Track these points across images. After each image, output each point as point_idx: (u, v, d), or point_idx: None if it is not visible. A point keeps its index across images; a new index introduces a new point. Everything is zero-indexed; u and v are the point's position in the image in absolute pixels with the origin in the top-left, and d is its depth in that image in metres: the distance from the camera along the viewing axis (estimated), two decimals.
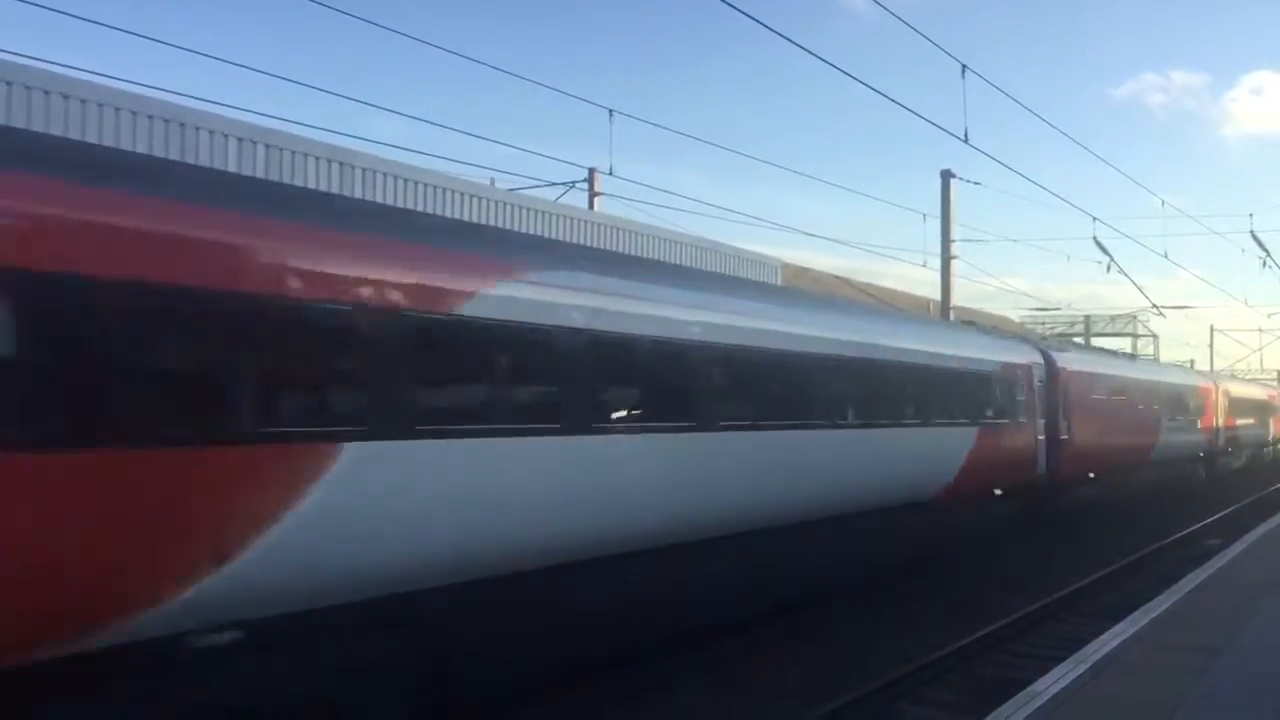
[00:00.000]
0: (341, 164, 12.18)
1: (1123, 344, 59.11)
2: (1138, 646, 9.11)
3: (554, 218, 15.34)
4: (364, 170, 12.18)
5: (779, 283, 22.01)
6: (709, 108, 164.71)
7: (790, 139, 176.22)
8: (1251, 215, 75.26)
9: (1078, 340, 54.22)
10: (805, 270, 33.93)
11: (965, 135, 17.05)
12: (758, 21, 12.23)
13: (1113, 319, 58.54)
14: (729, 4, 11.10)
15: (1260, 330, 69.09)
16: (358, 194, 12.01)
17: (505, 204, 14.28)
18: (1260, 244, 36.04)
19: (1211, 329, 74.29)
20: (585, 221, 16.28)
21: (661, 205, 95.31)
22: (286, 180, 11.64)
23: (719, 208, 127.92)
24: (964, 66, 15.70)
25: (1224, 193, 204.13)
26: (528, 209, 14.72)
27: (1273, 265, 37.15)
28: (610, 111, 19.32)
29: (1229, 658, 8.73)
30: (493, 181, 21.91)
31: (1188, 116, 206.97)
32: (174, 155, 11.27)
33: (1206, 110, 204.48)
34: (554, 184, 26.62)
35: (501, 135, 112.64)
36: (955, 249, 34.01)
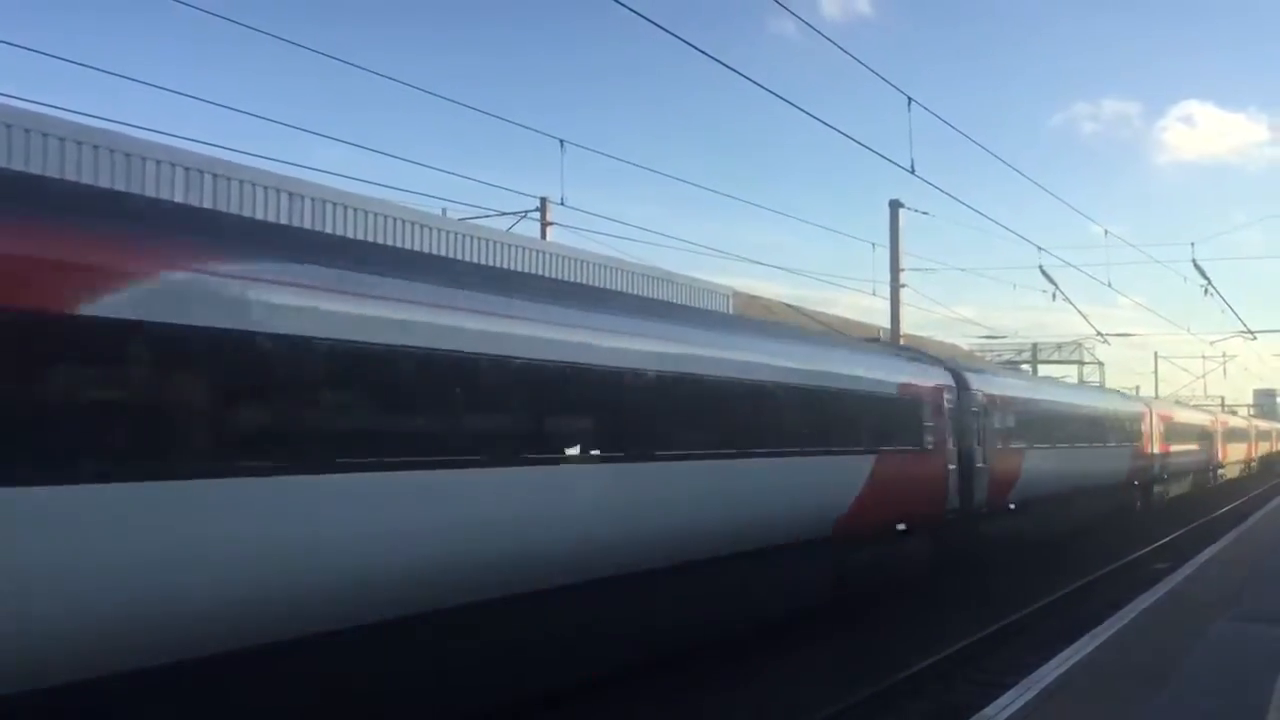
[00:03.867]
0: (290, 194, 12.10)
1: (1069, 371, 60.06)
2: (1086, 672, 9.20)
3: (506, 247, 15.34)
4: (312, 200, 12.12)
5: (730, 309, 22.09)
6: (661, 139, 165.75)
7: (742, 169, 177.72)
8: (1193, 244, 76.43)
9: (1025, 367, 54.98)
10: (756, 298, 34.12)
11: (912, 166, 17.29)
12: (710, 56, 12.35)
13: (1059, 347, 59.37)
14: (681, 39, 11.21)
15: (1204, 357, 70.45)
16: (306, 224, 11.94)
17: (456, 234, 14.26)
18: (1202, 272, 36.74)
19: (1156, 356, 75.58)
20: (537, 251, 16.29)
21: (614, 235, 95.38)
22: (235, 210, 11.54)
23: (672, 237, 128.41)
24: (909, 99, 15.94)
25: (1161, 220, 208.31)
26: (479, 239, 14.71)
27: (1214, 293, 37.87)
28: (561, 142, 19.37)
29: (1179, 681, 8.83)
30: (444, 211, 21.87)
31: (1122, 145, 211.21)
32: (119, 185, 11.14)
33: (1139, 139, 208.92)
34: (506, 213, 26.62)
35: (454, 166, 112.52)
36: (904, 278, 34.39)
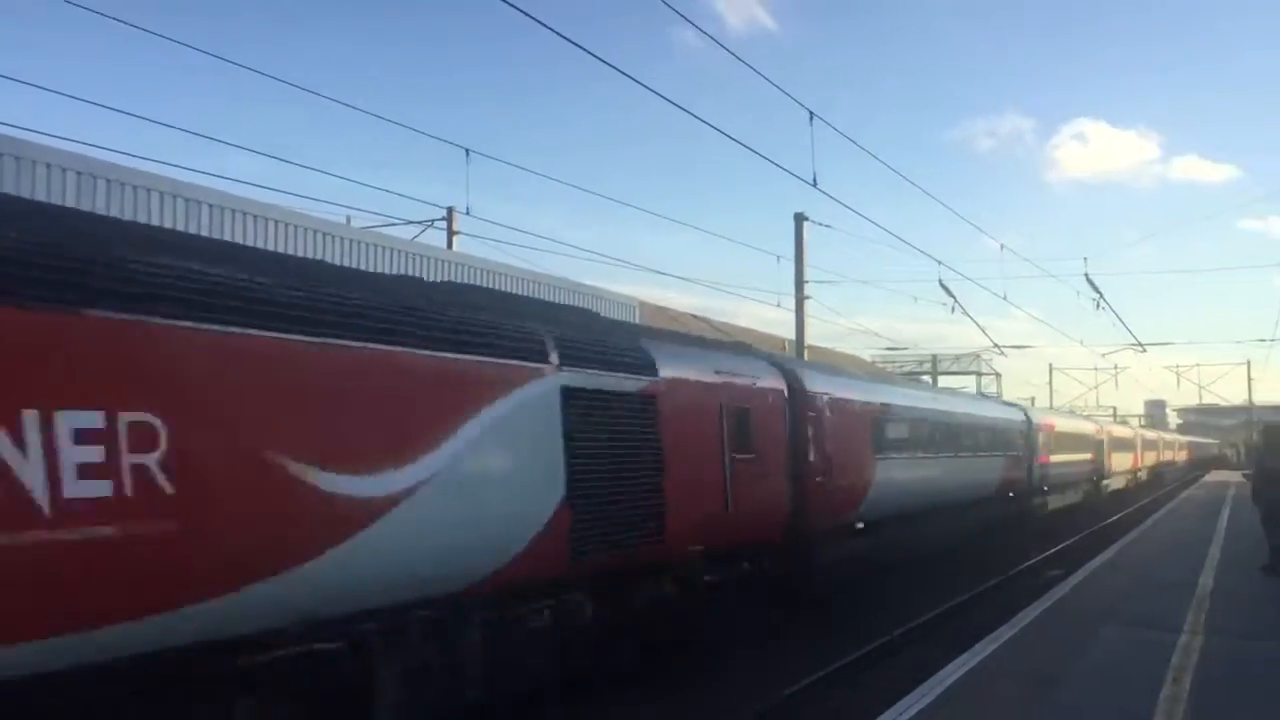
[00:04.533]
0: (188, 200, 11.84)
1: (968, 382, 61.44)
2: (981, 677, 9.42)
3: (411, 257, 15.20)
4: (211, 206, 11.87)
5: (637, 319, 22.19)
6: (569, 150, 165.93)
7: (649, 181, 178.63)
8: (1086, 259, 78.98)
9: (925, 378, 56.07)
10: (663, 309, 34.30)
11: (814, 180, 17.56)
12: (615, 68, 12.43)
13: (958, 358, 60.84)
14: (585, 50, 11.26)
15: (1096, 369, 72.70)
16: (204, 231, 11.69)
17: (359, 242, 14.09)
18: (1094, 287, 37.94)
19: (1050, 367, 77.85)
20: (443, 261, 16.18)
21: (521, 245, 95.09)
22: (128, 216, 11.29)
23: (578, 247, 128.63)
24: (811, 113, 16.18)
25: (1055, 236, 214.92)
26: (383, 247, 14.56)
27: (1106, 307, 39.01)
28: (467, 151, 19.28)
29: (1069, 686, 9.10)
30: (349, 220, 21.60)
31: (1017, 161, 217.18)
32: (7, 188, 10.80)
33: (1034, 155, 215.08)
34: (411, 222, 26.40)
35: (361, 174, 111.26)
36: (808, 289, 34.89)
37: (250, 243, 12.33)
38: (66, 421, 5.47)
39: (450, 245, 26.14)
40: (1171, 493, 55.19)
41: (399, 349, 7.74)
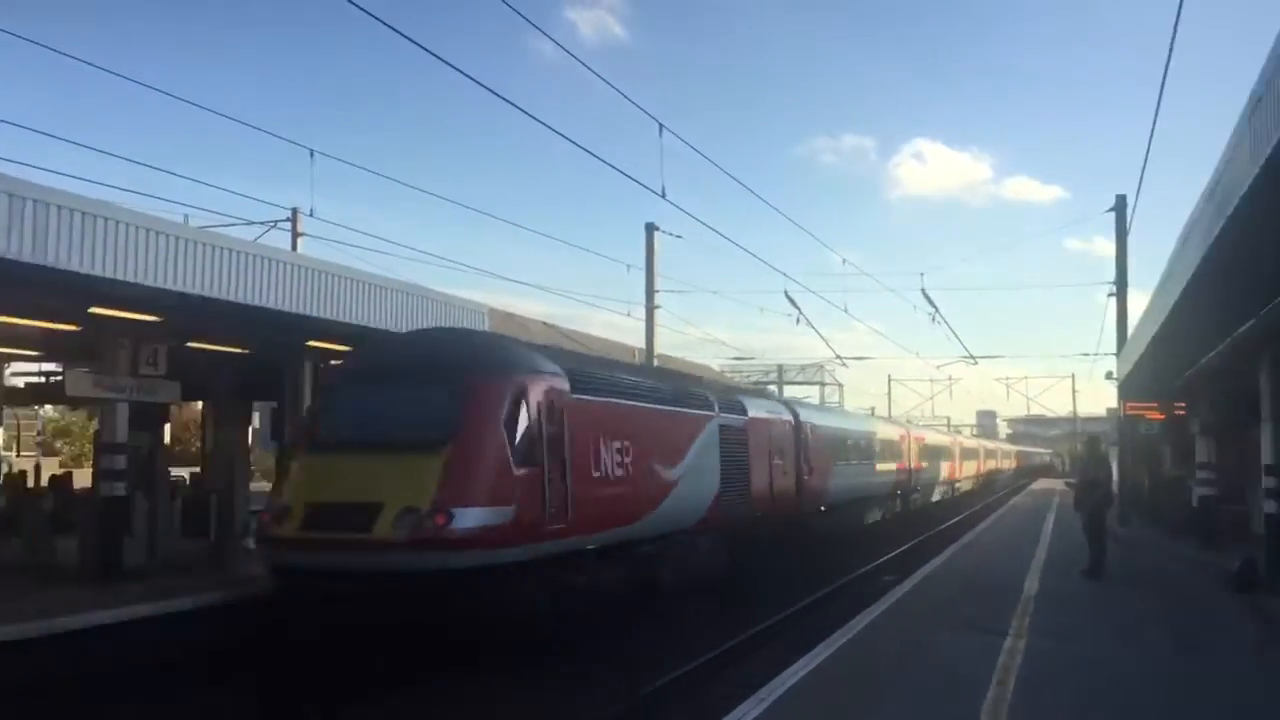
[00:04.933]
0: (10, 195, 11.21)
1: (811, 391, 62.83)
2: (817, 681, 9.63)
3: (250, 258, 14.69)
4: (34, 201, 11.27)
5: (486, 327, 22.01)
6: (421, 155, 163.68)
7: (504, 189, 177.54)
8: (922, 274, 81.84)
9: (771, 388, 57.06)
10: (513, 316, 34.13)
11: (663, 191, 17.72)
12: (463, 72, 12.32)
13: (803, 368, 62.23)
14: (434, 54, 11.13)
15: (931, 380, 75.35)
16: (27, 227, 11.08)
17: (194, 242, 13.57)
18: (930, 300, 39.33)
19: (889, 378, 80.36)
20: (283, 263, 15.70)
21: (370, 249, 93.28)
22: None
23: (430, 253, 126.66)
24: (660, 125, 16.35)
25: (894, 251, 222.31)
26: (220, 248, 14.04)
27: (941, 321, 40.64)
28: (311, 152, 18.76)
29: (899, 689, 9.38)
30: (186, 219, 20.80)
31: (859, 178, 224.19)
32: None
33: (875, 173, 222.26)
34: (253, 223, 25.59)
35: (202, 174, 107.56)
36: (659, 299, 35.21)
37: (66, 239, 11.76)
38: (609, 442, 14.70)
39: (295, 247, 25.49)
40: (1002, 499, 57.54)
41: (678, 409, 17.93)
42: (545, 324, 37.34)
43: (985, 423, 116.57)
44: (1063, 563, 19.38)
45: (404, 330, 17.39)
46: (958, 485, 58.96)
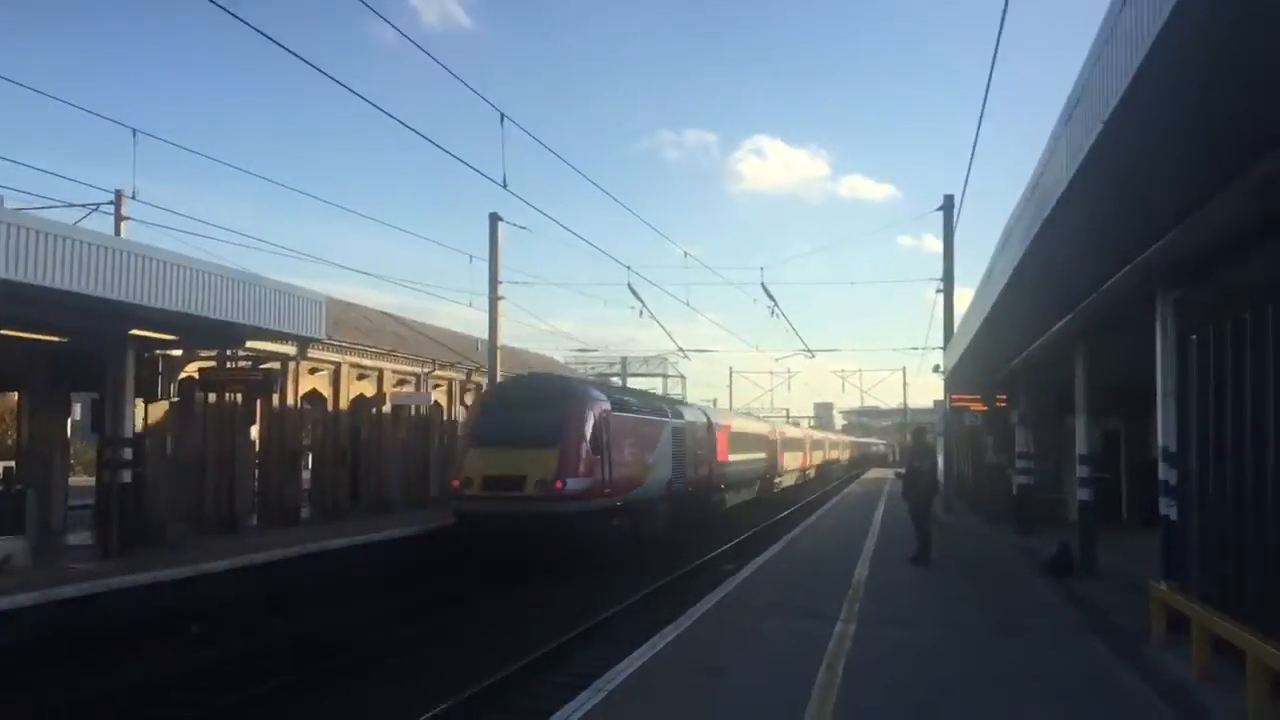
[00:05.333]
0: None
1: (655, 384, 63.33)
2: (653, 671, 9.74)
3: (66, 242, 13.94)
4: None
5: (324, 319, 21.51)
6: (259, 141, 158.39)
7: (345, 177, 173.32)
8: (762, 269, 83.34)
9: (615, 380, 57.26)
10: (354, 306, 33.45)
11: (504, 181, 17.60)
12: (300, 57, 11.98)
13: (646, 360, 62.68)
14: (272, 39, 10.79)
15: (771, 373, 77.00)
16: None
17: (5, 224, 12.81)
18: (769, 294, 40.14)
19: (730, 371, 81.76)
20: (103, 248, 14.96)
21: (202, 235, 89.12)
22: None
23: (269, 241, 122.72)
24: (502, 114, 16.24)
25: (735, 245, 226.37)
26: (33, 231, 13.28)
27: (780, 315, 41.54)
28: (134, 131, 17.96)
29: (734, 675, 9.56)
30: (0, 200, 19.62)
31: (701, 173, 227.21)
32: None
33: (717, 168, 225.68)
34: (74, 205, 24.34)
35: (16, 154, 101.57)
36: (503, 290, 34.91)
37: None
38: (626, 441, 24.54)
39: (119, 232, 24.33)
40: (837, 488, 59.28)
41: (654, 418, 27.85)
42: (387, 314, 36.68)
43: (822, 414, 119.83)
44: (891, 550, 20.08)
45: (236, 318, 17.10)
46: (807, 473, 62.30)
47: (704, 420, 34.58)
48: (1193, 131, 7.22)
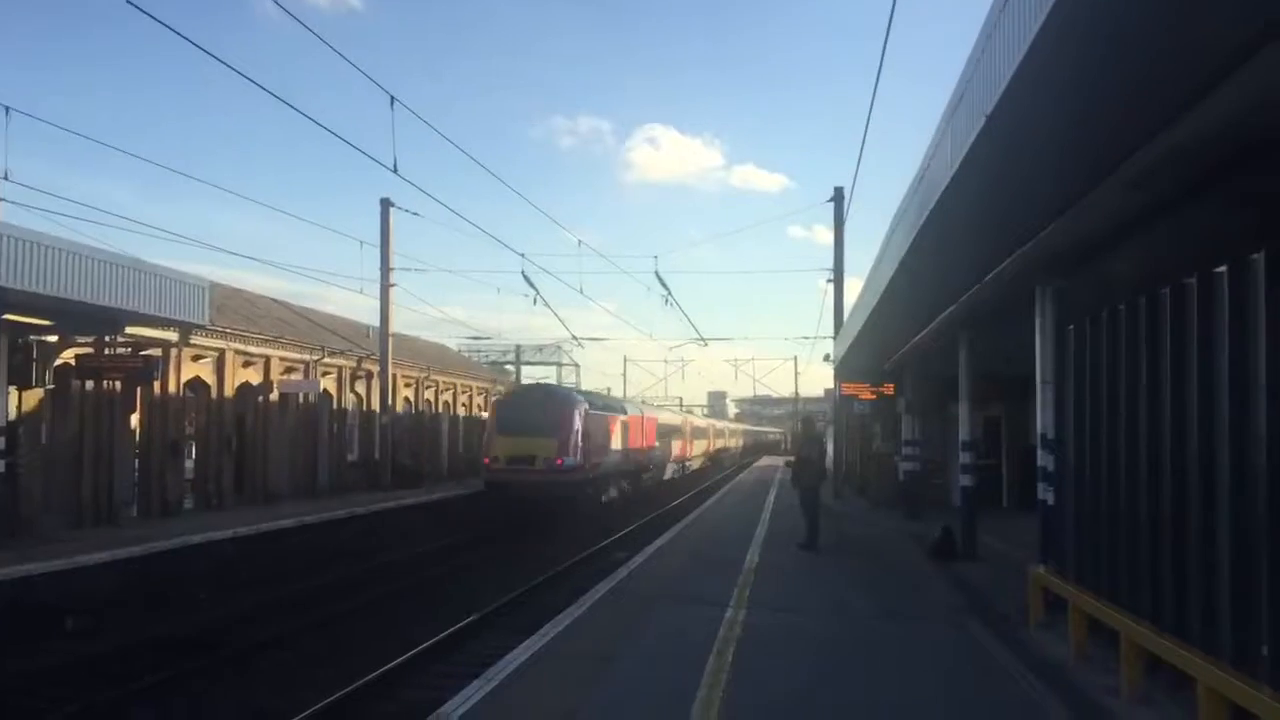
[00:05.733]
0: None
1: (549, 372, 63.19)
2: (545, 659, 9.71)
3: None
4: None
5: (207, 303, 20.94)
6: (135, 116, 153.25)
7: (230, 159, 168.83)
8: (656, 257, 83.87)
9: (509, 368, 56.94)
10: (240, 292, 32.61)
11: (395, 165, 17.31)
12: (178, 33, 11.61)
13: (540, 349, 62.46)
14: (152, 16, 10.45)
15: (665, 361, 77.38)
16: None
17: None
18: (663, 283, 40.36)
19: (625, 359, 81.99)
20: None
21: (81, 219, 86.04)
22: None
23: (151, 225, 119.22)
24: (392, 97, 15.96)
25: (629, 234, 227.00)
26: None
27: (674, 303, 41.81)
28: (6, 109, 17.26)
29: (625, 662, 9.58)
30: None
31: (595, 161, 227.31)
32: None
33: (611, 156, 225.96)
34: None
35: None
36: (394, 277, 34.46)
37: None
38: (599, 431, 32.79)
39: None
40: (732, 474, 59.94)
41: (613, 414, 36.35)
42: (275, 300, 35.87)
43: (715, 403, 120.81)
44: (781, 537, 20.34)
45: (114, 303, 16.93)
46: (707, 459, 64.07)
47: (640, 414, 43.10)
48: (1071, 127, 7.42)
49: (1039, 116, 7.12)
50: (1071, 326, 10.72)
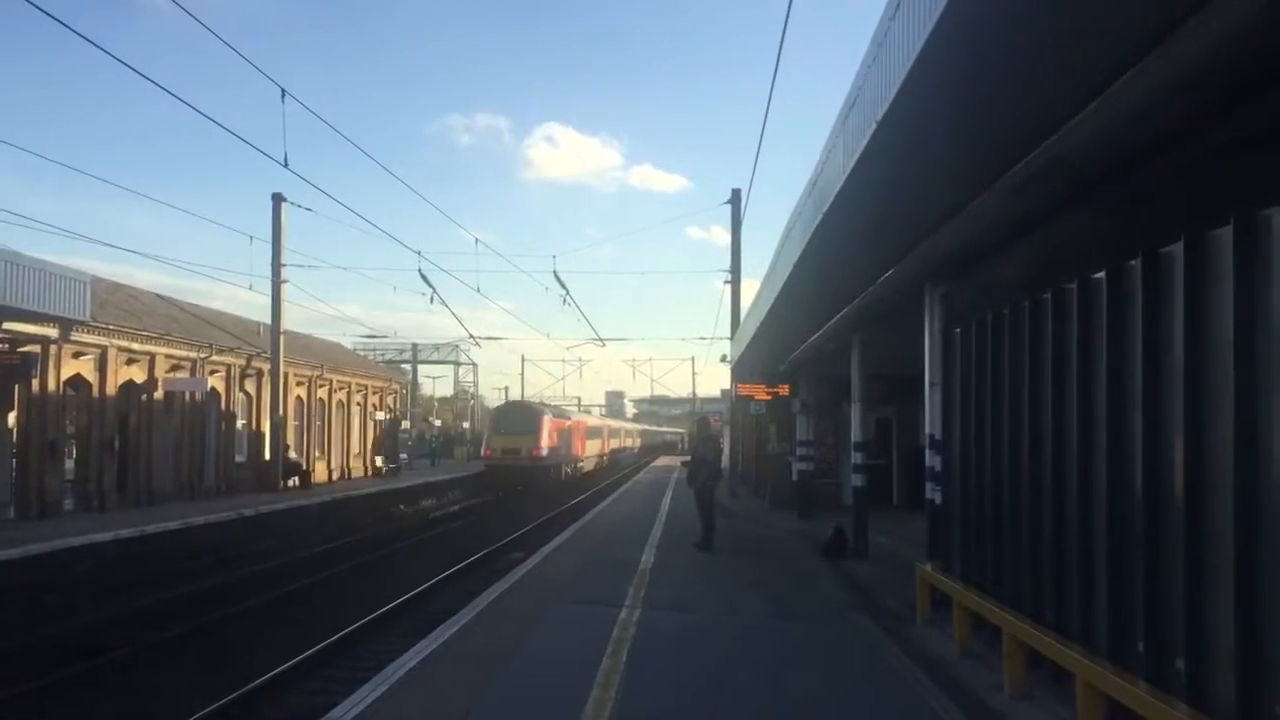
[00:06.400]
0: None
1: (445, 371, 62.63)
2: (437, 662, 9.59)
3: None
4: None
5: (89, 298, 20.28)
6: (18, 110, 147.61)
7: (117, 151, 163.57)
8: (554, 257, 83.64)
9: (405, 367, 56.23)
10: (122, 287, 31.58)
11: (285, 160, 16.98)
12: (63, 24, 11.27)
13: (437, 347, 61.88)
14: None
15: (563, 361, 77.32)
16: None
17: None
18: (561, 283, 40.31)
19: (523, 359, 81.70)
20: None
21: None
22: None
23: (31, 218, 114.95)
24: (283, 91, 15.65)
25: (527, 233, 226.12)
26: None
27: (571, 303, 41.79)
28: None
29: (517, 664, 9.51)
30: None
31: (493, 159, 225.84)
32: None
33: (509, 154, 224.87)
34: None
35: None
36: (286, 273, 33.75)
37: None
38: (562, 432, 50.87)
39: None
40: (631, 473, 60.13)
41: (571, 419, 56.28)
42: (161, 296, 34.86)
43: (614, 403, 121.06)
44: (677, 537, 20.42)
45: None
46: (617, 455, 74.60)
47: (577, 418, 58.75)
48: (957, 134, 7.59)
49: (929, 122, 7.27)
50: (958, 329, 10.97)
